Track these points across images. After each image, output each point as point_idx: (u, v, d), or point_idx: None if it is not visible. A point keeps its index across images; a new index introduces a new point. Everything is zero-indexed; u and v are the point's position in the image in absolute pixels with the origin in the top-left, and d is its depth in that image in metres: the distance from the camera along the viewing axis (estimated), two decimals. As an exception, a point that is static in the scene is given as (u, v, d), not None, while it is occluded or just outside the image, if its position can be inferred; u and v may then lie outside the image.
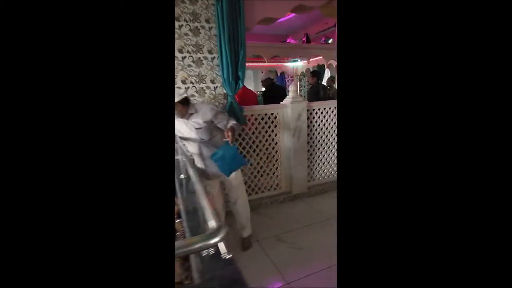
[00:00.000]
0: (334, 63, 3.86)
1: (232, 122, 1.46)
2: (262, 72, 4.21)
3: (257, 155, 2.37)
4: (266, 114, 2.31)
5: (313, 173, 2.67)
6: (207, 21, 1.89)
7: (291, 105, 2.33)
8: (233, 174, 1.60)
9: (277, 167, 2.47)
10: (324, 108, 2.59)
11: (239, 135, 2.23)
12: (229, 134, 1.33)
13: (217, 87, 2.01)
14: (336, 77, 4.49)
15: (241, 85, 2.01)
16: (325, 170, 2.74)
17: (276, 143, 2.42)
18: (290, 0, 2.15)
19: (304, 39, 3.71)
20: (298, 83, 5.18)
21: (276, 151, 2.44)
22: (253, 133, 2.30)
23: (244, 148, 2.28)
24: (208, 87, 1.98)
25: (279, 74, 5.16)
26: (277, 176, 2.49)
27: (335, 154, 2.74)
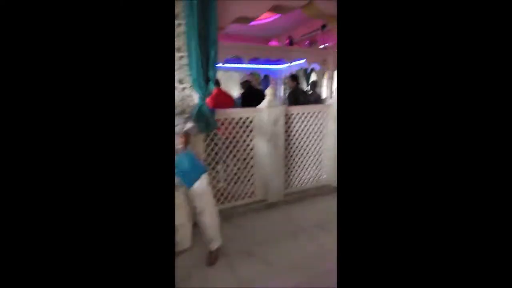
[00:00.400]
0: (317, 67, 3.81)
1: (187, 126, 1.33)
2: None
3: (231, 161, 2.24)
4: (241, 118, 2.19)
5: (291, 180, 2.58)
6: (176, 17, 1.75)
7: (268, 109, 2.23)
8: (196, 182, 1.48)
9: (252, 174, 2.35)
10: (303, 113, 2.51)
11: (211, 139, 2.10)
12: (181, 140, 1.20)
13: (185, 88, 1.87)
14: (320, 81, 4.44)
15: (212, 86, 1.88)
16: (303, 177, 2.64)
17: (252, 149, 2.30)
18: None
19: (287, 41, 3.63)
20: (282, 86, 5.12)
21: (252, 157, 2.32)
22: (226, 138, 2.17)
23: (216, 153, 2.15)
24: (175, 88, 1.84)
25: (262, 77, 5.08)
26: (252, 183, 2.37)
27: (314, 160, 2.66)
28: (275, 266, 1.63)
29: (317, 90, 3.99)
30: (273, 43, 4.25)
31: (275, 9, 2.16)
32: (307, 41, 3.99)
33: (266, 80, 5.13)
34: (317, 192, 2.64)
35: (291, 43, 3.61)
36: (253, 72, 4.94)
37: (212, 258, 1.66)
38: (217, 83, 2.61)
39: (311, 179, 2.69)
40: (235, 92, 4.06)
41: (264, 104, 2.24)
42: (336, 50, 3.52)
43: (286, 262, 1.66)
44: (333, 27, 2.75)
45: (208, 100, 2.04)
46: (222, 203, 2.24)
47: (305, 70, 4.49)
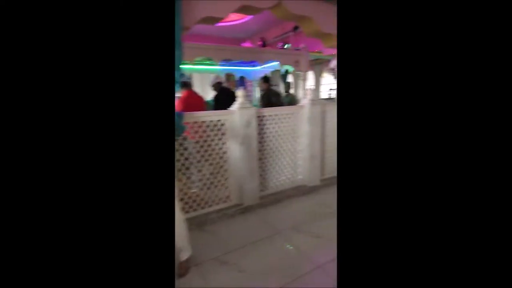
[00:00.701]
0: (292, 69, 3.84)
1: None
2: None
3: (203, 165, 2.16)
4: (211, 121, 2.13)
5: (266, 182, 2.55)
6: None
7: (239, 111, 2.19)
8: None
9: (227, 178, 2.29)
10: (276, 115, 2.50)
11: (180, 144, 2.01)
12: None
13: (149, 91, 1.77)
14: (297, 82, 4.48)
15: (177, 88, 1.80)
16: (279, 179, 2.63)
17: (225, 152, 2.24)
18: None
19: (260, 43, 3.62)
20: (258, 88, 5.11)
21: (225, 161, 2.26)
22: (197, 142, 2.10)
23: (187, 158, 2.07)
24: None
25: (238, 78, 5.03)
26: (227, 187, 2.31)
27: (289, 161, 2.66)
28: (249, 272, 1.59)
29: (292, 91, 4.01)
30: (246, 44, 4.23)
31: (242, 9, 2.12)
32: (280, 43, 4.02)
33: (242, 81, 5.09)
34: (292, 193, 2.64)
35: (264, 44, 3.60)
36: (228, 74, 4.88)
37: (182, 269, 1.58)
38: (187, 85, 2.53)
39: (287, 181, 2.68)
40: (212, 94, 3.97)
41: (235, 106, 2.19)
42: (308, 52, 3.59)
43: (260, 267, 1.62)
44: (304, 28, 2.77)
45: (176, 102, 1.95)
46: (195, 210, 2.15)
47: (279, 71, 4.51)
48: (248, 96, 5.04)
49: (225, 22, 3.73)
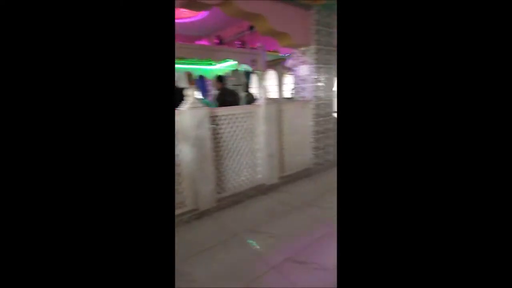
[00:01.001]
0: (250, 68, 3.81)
1: None
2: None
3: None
4: (159, 123, 1.99)
5: (224, 184, 2.47)
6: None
7: (190, 111, 2.08)
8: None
9: (180, 183, 2.17)
10: (233, 114, 2.43)
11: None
12: None
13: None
14: (261, 82, 4.47)
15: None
16: (237, 180, 2.57)
17: (176, 155, 2.12)
18: (177, -7, 1.90)
19: (216, 41, 3.53)
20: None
21: (177, 165, 2.14)
22: (143, 145, 1.94)
23: (132, 164, 1.90)
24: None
25: (198, 77, 4.87)
26: (180, 192, 2.19)
27: (247, 161, 2.62)
28: (200, 281, 1.50)
29: (253, 91, 3.99)
30: (202, 42, 4.10)
31: (189, 5, 2.02)
32: (238, 42, 3.97)
33: (201, 80, 4.94)
34: (252, 193, 2.61)
35: (220, 42, 3.51)
36: (187, 72, 4.69)
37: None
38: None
39: (246, 181, 2.64)
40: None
41: (185, 105, 2.08)
42: (265, 51, 3.59)
43: (213, 274, 1.55)
44: (257, 27, 2.75)
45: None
46: (145, 218, 2.00)
47: (238, 70, 4.46)
48: (208, 96, 4.92)
49: (179, 19, 3.57)
